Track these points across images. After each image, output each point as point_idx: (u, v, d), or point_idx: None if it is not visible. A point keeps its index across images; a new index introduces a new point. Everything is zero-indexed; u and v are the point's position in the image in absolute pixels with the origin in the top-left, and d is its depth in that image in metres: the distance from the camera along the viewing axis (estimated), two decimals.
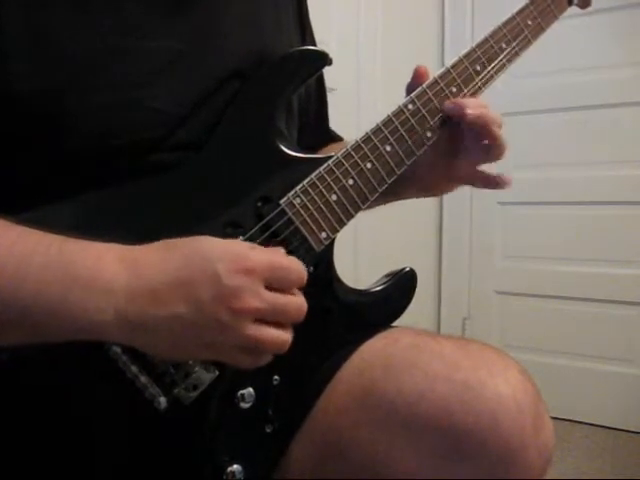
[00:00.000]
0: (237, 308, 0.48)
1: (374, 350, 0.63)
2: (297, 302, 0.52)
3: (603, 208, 2.16)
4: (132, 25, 0.57)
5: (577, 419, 2.17)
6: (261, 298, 0.49)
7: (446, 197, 2.47)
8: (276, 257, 0.52)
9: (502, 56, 0.72)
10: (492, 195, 2.38)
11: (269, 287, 0.50)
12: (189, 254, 0.49)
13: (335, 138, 0.83)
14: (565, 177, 2.22)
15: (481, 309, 2.44)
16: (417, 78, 0.67)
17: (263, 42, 0.66)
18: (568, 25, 2.17)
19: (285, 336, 0.51)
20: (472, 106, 0.66)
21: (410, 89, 0.68)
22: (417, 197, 0.75)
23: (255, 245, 0.54)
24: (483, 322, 2.41)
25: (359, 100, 1.94)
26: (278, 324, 0.51)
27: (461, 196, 2.44)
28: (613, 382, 2.14)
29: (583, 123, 2.19)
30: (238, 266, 0.49)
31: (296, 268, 0.52)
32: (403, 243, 2.13)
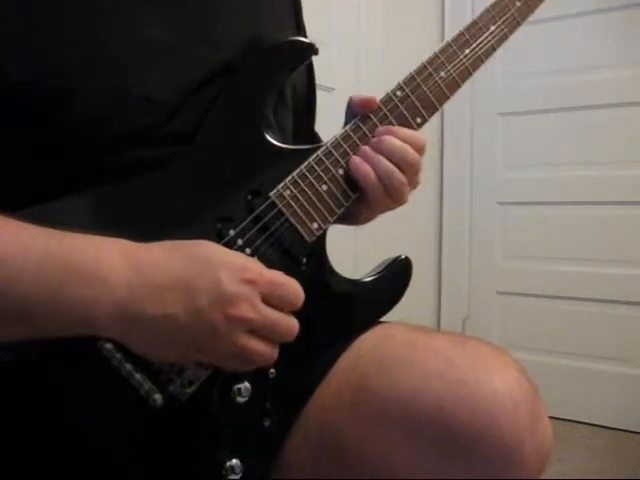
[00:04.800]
0: (232, 315, 0.49)
1: (368, 346, 0.63)
2: (289, 322, 0.53)
3: (603, 208, 2.16)
4: (126, 14, 0.56)
5: (577, 419, 2.17)
6: (256, 310, 0.50)
7: (446, 197, 2.47)
8: (278, 275, 0.53)
9: (491, 39, 0.71)
10: (492, 195, 2.39)
11: (266, 302, 0.51)
12: (193, 257, 0.50)
13: (317, 142, 0.83)
14: (565, 177, 2.22)
15: (481, 309, 2.43)
16: (365, 106, 0.65)
17: (259, 34, 0.65)
18: (568, 25, 2.18)
19: (271, 352, 0.53)
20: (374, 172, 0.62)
21: (352, 108, 0.66)
22: (338, 224, 0.73)
23: (258, 261, 0.55)
24: (483, 322, 2.41)
25: None
26: (267, 339, 0.52)
27: (461, 196, 2.44)
28: (613, 382, 2.14)
29: (583, 123, 2.19)
30: (240, 275, 0.50)
31: (294, 289, 0.53)
32: (403, 243, 2.13)
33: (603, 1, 2.06)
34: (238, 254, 0.54)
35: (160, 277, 0.48)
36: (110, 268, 0.47)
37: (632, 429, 2.08)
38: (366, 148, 0.63)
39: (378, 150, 0.63)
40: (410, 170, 0.63)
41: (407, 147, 0.63)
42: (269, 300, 0.51)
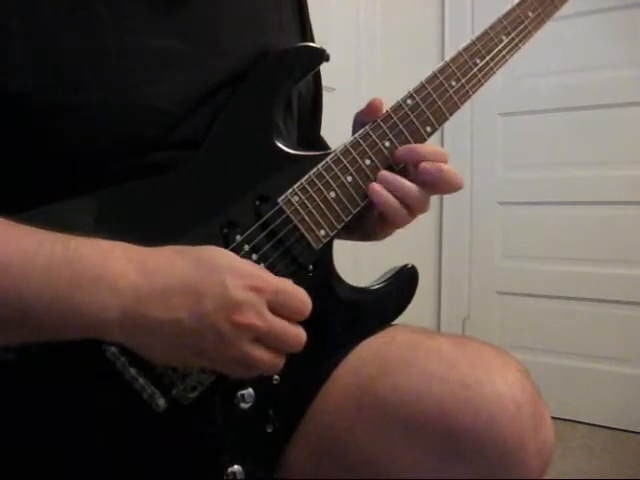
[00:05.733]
0: (238, 322, 0.48)
1: (371, 349, 0.63)
2: (296, 332, 0.52)
3: (603, 208, 2.16)
4: (131, 24, 0.56)
5: (577, 419, 2.17)
6: (263, 318, 0.49)
7: (446, 197, 2.47)
8: (284, 284, 0.52)
9: (502, 49, 0.70)
10: (492, 195, 2.39)
11: (273, 311, 0.51)
12: (200, 262, 0.50)
13: (324, 147, 0.82)
14: (565, 177, 2.22)
15: (481, 309, 2.43)
16: (371, 110, 0.65)
17: (265, 42, 0.65)
18: (568, 25, 2.18)
19: (277, 361, 0.52)
20: (430, 158, 0.63)
21: (359, 119, 0.66)
22: (357, 240, 0.75)
23: (266, 270, 0.55)
24: (483, 322, 2.41)
25: (359, 100, 1.94)
26: (273, 348, 0.51)
27: (461, 196, 2.44)
28: (613, 382, 2.14)
29: (583, 123, 2.19)
30: (246, 282, 0.49)
31: (302, 298, 0.53)
32: (403, 243, 2.13)
33: (604, 1, 2.06)
34: (246, 261, 0.53)
35: (167, 281, 0.48)
36: (117, 273, 0.47)
37: (632, 429, 2.08)
38: (386, 174, 0.63)
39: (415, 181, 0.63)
40: (446, 186, 0.64)
41: (438, 166, 0.63)
42: (276, 309, 0.51)
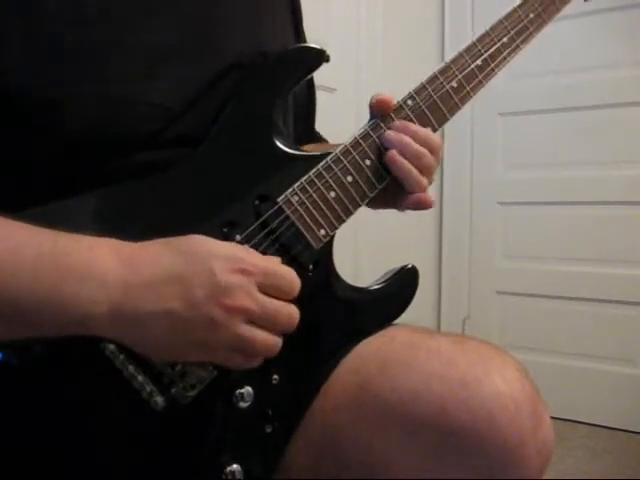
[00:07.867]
0: (230, 306, 0.48)
1: (370, 348, 0.63)
2: (289, 310, 0.52)
3: (603, 208, 2.16)
4: (128, 18, 0.56)
5: (577, 419, 2.17)
6: (254, 299, 0.50)
7: (446, 197, 2.47)
8: (271, 264, 0.53)
9: (503, 50, 0.70)
10: (492, 195, 2.39)
11: (263, 291, 0.51)
12: (186, 251, 0.50)
13: (319, 139, 0.83)
14: (565, 177, 2.22)
15: (481, 309, 2.43)
16: (381, 104, 0.65)
17: (260, 38, 0.65)
18: (568, 25, 2.18)
19: (274, 340, 0.52)
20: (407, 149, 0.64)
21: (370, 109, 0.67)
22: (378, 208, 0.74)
23: (252, 250, 0.54)
24: (483, 322, 2.41)
25: (359, 100, 1.94)
26: (268, 328, 0.51)
27: (461, 196, 2.45)
28: (613, 382, 2.14)
29: (583, 123, 2.19)
30: (233, 266, 0.49)
31: (290, 277, 0.53)
32: (403, 243, 2.13)
33: (603, 2, 2.06)
34: (230, 244, 0.54)
35: (154, 274, 0.48)
36: (105, 268, 0.47)
37: (632, 429, 2.08)
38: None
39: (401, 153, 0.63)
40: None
41: (424, 151, 0.63)
42: (265, 289, 0.51)
